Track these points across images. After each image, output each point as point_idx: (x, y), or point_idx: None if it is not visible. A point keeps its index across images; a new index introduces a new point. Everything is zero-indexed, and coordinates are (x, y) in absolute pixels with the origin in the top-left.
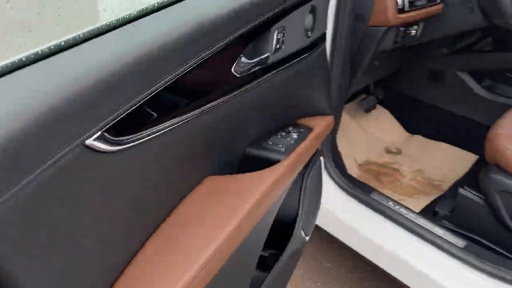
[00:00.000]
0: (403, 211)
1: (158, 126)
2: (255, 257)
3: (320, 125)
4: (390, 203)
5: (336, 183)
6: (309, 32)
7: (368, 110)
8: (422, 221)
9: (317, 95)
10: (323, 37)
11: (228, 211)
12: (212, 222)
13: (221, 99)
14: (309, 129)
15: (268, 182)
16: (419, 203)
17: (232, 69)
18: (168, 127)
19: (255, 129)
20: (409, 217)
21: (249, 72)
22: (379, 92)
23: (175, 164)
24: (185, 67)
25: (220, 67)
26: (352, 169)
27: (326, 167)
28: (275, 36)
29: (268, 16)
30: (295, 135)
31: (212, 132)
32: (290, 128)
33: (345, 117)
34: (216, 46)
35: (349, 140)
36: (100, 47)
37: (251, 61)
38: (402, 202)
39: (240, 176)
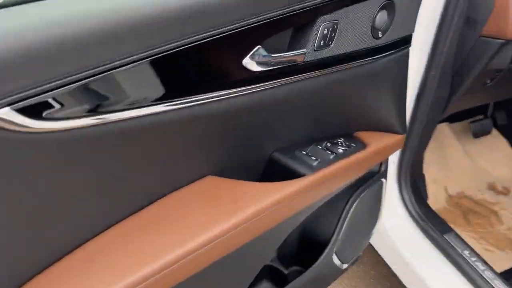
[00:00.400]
0: (479, 265)
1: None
2: (251, 271)
3: (380, 143)
4: (466, 252)
5: (407, 209)
6: (380, 32)
7: (478, 134)
8: (499, 286)
9: (385, 109)
10: (403, 41)
11: (213, 217)
12: (190, 224)
13: (228, 91)
14: (363, 146)
15: (274, 197)
16: (508, 262)
17: (244, 61)
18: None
19: (288, 132)
20: (484, 276)
21: (269, 67)
22: (500, 116)
23: (152, 157)
24: (166, 46)
25: (228, 54)
26: (438, 198)
27: (400, 189)
28: (320, 31)
29: (313, 3)
30: (340, 149)
31: (214, 128)
32: (341, 140)
33: (446, 138)
34: (224, 28)
35: (445, 165)
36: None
37: (272, 54)
38: (487, 254)
39: (244, 183)
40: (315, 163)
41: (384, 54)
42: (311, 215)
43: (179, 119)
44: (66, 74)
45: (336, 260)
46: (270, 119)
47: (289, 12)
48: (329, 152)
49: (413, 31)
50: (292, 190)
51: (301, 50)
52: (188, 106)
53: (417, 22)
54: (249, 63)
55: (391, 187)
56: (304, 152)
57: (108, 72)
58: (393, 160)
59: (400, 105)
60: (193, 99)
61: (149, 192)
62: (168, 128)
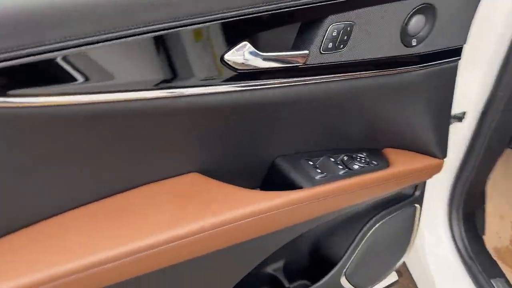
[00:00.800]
0: None
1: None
2: (223, 282)
3: (409, 165)
4: None
5: (454, 242)
6: (414, 40)
7: None
8: None
9: (419, 128)
10: (449, 53)
11: (179, 216)
12: (150, 220)
13: (210, 88)
14: (386, 164)
15: (256, 207)
16: None
17: (226, 56)
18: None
19: (295, 138)
20: None
21: (255, 67)
22: None
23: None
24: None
25: (208, 47)
26: (502, 236)
27: (450, 219)
28: (327, 32)
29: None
30: (357, 165)
31: (200, 124)
32: (362, 155)
33: None
34: (203, 18)
35: None
36: None
37: (262, 53)
38: None
39: (229, 187)
40: (318, 177)
41: (420, 66)
42: (328, 229)
43: (154, 109)
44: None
45: (345, 283)
46: (272, 122)
47: (285, 8)
48: (341, 167)
49: (464, 42)
50: (280, 202)
51: (302, 52)
52: (163, 98)
53: (487, 35)
54: (231, 59)
55: (439, 215)
56: (311, 163)
57: (74, 49)
58: (446, 186)
59: (440, 125)
60: (169, 90)
61: (121, 180)
62: (143, 116)
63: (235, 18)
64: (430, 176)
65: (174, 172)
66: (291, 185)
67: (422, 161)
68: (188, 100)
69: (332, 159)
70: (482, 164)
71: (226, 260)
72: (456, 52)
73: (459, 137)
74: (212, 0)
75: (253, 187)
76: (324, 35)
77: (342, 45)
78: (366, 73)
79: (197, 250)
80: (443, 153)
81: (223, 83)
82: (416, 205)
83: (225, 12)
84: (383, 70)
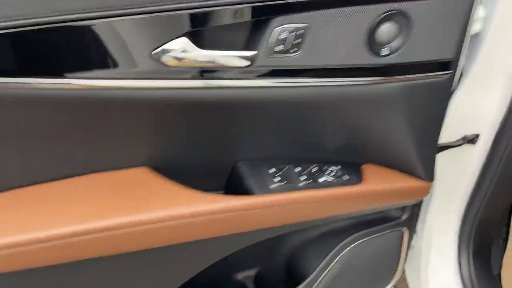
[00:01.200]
0: None
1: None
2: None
3: (385, 184)
4: None
5: (460, 275)
6: (384, 49)
7: None
8: None
9: (399, 146)
10: (433, 66)
11: (106, 207)
12: (78, 209)
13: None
14: (357, 180)
15: (194, 208)
16: None
17: (155, 52)
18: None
19: (256, 144)
20: None
21: (190, 64)
22: None
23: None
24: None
25: (137, 40)
26: None
27: (459, 249)
28: (272, 34)
29: None
30: (324, 178)
31: (146, 119)
32: (334, 168)
33: None
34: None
35: None
36: None
37: (200, 49)
38: None
39: (173, 186)
40: (272, 185)
41: (395, 78)
42: (303, 243)
43: (96, 99)
44: None
45: None
46: (230, 124)
47: (228, 4)
48: (305, 178)
49: (452, 55)
50: (221, 206)
51: (249, 52)
52: (101, 88)
53: (504, 53)
54: (162, 55)
55: (447, 252)
56: (271, 171)
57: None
58: (455, 218)
59: (425, 145)
60: (103, 81)
61: (66, 167)
62: (86, 105)
63: (171, 12)
64: (415, 199)
65: (124, 164)
66: (245, 192)
67: (403, 182)
68: (124, 93)
69: (298, 169)
70: (497, 192)
71: (163, 260)
72: (444, 66)
73: (471, 161)
74: None
75: (216, 189)
76: (269, 38)
77: (295, 49)
78: (328, 81)
79: (128, 244)
80: (429, 175)
81: (156, 78)
82: (404, 228)
83: (160, 4)
84: (348, 79)
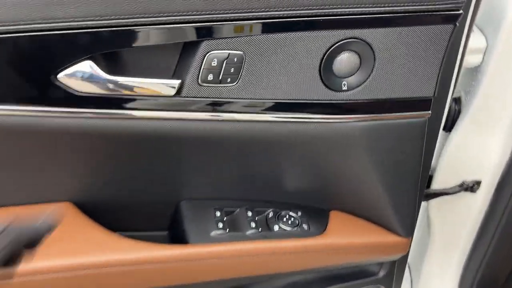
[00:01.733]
0: None
1: None
2: None
3: (351, 237)
4: None
5: None
6: (344, 83)
7: None
8: None
9: (370, 194)
10: (405, 105)
11: None
12: None
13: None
14: (319, 231)
15: (110, 257)
16: None
17: (59, 76)
18: None
19: (202, 182)
20: None
21: (103, 91)
22: None
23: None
24: None
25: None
26: None
27: None
28: (204, 61)
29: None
30: (279, 226)
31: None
32: (296, 214)
33: None
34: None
35: None
36: None
37: (109, 76)
38: None
39: (98, 230)
40: (214, 233)
41: (356, 116)
42: None
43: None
44: None
45: None
46: (167, 160)
47: (143, 24)
48: (256, 225)
49: (429, 93)
50: (140, 256)
51: (171, 81)
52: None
53: (507, 96)
54: (67, 80)
55: None
56: (218, 214)
57: None
58: (454, 273)
59: (400, 194)
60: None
61: None
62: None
63: (74, 31)
64: (390, 256)
65: (44, 198)
66: (181, 237)
67: (375, 236)
68: (28, 120)
69: (249, 214)
70: (500, 244)
71: None
72: (419, 106)
73: (471, 211)
74: (43, 7)
75: (159, 230)
76: (200, 65)
77: (229, 79)
78: (277, 116)
79: None
80: (406, 230)
81: (57, 105)
82: (381, 287)
83: (61, 21)
84: (301, 115)
